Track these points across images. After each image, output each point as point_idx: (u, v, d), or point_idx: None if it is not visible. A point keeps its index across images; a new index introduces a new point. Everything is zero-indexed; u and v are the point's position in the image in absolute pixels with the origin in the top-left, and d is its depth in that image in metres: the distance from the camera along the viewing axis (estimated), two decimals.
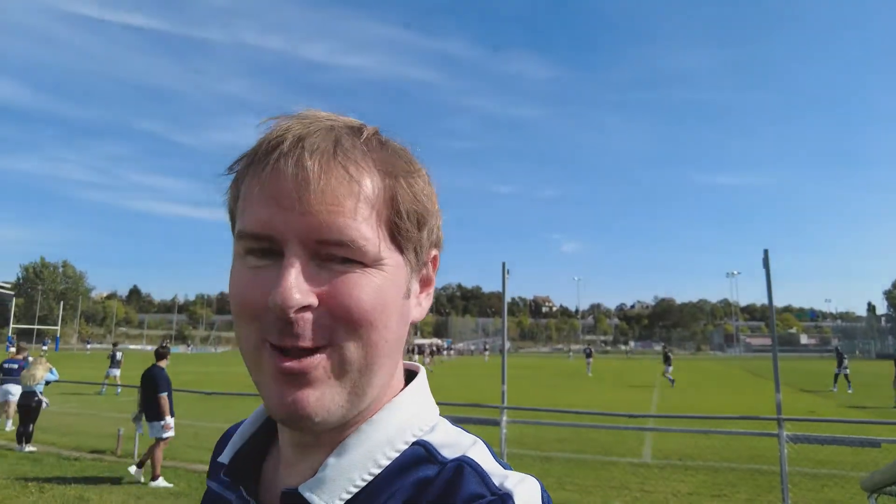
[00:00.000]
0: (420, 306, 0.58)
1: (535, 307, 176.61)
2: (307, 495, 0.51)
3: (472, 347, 70.57)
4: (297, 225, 0.48)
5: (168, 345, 8.59)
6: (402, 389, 0.58)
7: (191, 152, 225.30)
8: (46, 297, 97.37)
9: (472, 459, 0.52)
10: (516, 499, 0.48)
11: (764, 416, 7.81)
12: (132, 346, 76.74)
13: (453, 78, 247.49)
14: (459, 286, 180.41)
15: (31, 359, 10.80)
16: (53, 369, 10.58)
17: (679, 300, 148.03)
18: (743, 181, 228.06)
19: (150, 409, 7.82)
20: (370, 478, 0.52)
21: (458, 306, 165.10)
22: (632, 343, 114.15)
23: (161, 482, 7.38)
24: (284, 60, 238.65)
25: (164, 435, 7.72)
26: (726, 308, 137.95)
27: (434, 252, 0.59)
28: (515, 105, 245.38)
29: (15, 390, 11.59)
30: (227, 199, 0.56)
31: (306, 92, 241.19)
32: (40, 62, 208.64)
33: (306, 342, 0.49)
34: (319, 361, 0.49)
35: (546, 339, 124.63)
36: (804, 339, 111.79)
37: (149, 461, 7.57)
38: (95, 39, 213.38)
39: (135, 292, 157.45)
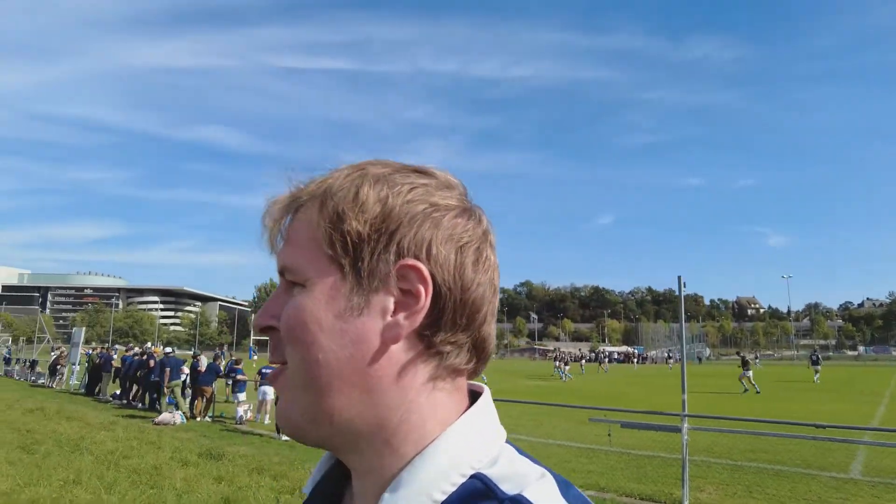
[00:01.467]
0: (397, 326, 0.53)
1: (738, 309, 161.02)
2: None
3: (666, 355, 66.64)
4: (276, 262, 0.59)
5: None
6: (464, 412, 0.56)
7: None
8: None
9: (527, 496, 0.48)
10: None
11: None
12: None
13: (628, 72, 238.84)
14: (650, 290, 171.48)
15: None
16: None
17: None
18: None
19: None
20: None
21: (648, 311, 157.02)
22: (861, 348, 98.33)
23: None
24: (458, 81, 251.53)
25: None
26: None
27: (405, 262, 0.53)
28: (699, 91, 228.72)
29: (270, 391, 14.58)
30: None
31: (481, 108, 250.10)
32: (259, 113, 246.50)
33: (276, 357, 0.57)
34: (281, 379, 0.56)
35: (752, 345, 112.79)
36: None
37: None
38: (299, 87, 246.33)
39: None
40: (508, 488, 0.50)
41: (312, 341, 0.53)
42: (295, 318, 0.54)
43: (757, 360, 62.37)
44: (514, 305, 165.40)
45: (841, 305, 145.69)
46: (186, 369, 16.29)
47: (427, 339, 0.55)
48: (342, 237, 0.54)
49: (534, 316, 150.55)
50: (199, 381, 14.81)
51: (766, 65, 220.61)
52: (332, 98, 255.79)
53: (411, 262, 0.54)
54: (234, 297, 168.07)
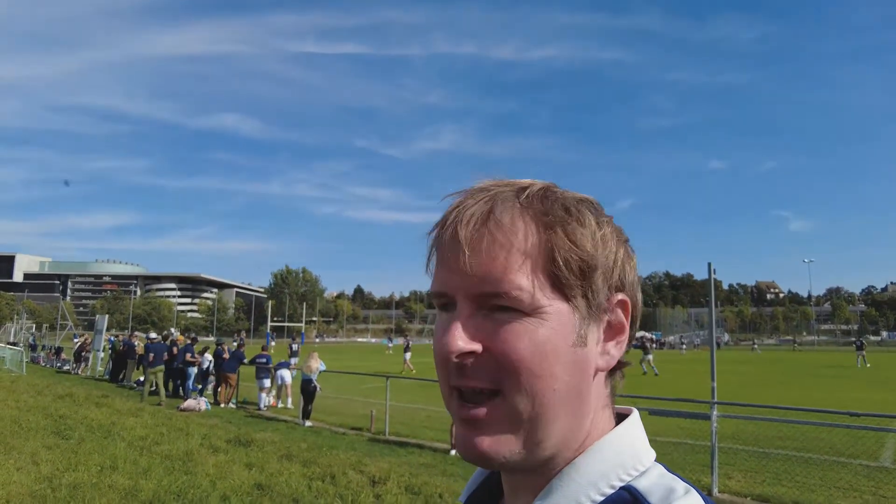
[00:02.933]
0: (607, 354, 0.58)
1: (757, 294, 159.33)
2: None
3: (686, 341, 66.15)
4: (462, 283, 0.55)
5: None
6: (615, 427, 0.59)
7: (399, 163, 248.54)
8: (291, 299, 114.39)
9: None
10: None
11: None
12: (359, 339, 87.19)
13: (648, 54, 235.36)
14: (667, 274, 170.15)
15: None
16: (322, 362, 13.20)
17: None
18: None
19: None
20: None
21: (666, 296, 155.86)
22: (884, 333, 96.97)
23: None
24: (476, 64, 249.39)
25: None
26: None
27: (620, 297, 0.58)
28: (721, 72, 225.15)
29: (287, 375, 14.76)
30: (426, 266, 0.62)
31: (499, 91, 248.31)
32: (275, 99, 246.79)
33: (474, 383, 0.54)
34: (491, 411, 0.54)
35: (772, 330, 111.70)
36: None
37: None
38: (316, 73, 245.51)
39: (358, 291, 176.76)
40: (655, 500, 0.52)
41: (551, 373, 0.53)
42: (534, 348, 0.53)
43: (755, 347, 61.99)
44: None
45: (863, 290, 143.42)
46: (209, 356, 16.53)
47: (618, 363, 0.60)
48: (580, 270, 0.55)
49: None
50: (223, 368, 14.99)
51: (791, 43, 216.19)
52: (348, 83, 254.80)
53: (622, 296, 0.58)
54: (250, 284, 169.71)
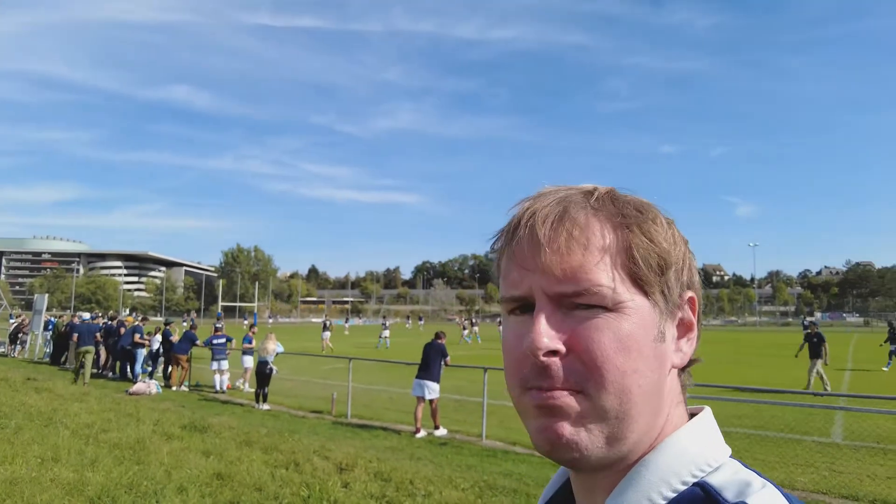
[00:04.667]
0: (680, 351, 0.58)
1: (704, 276, 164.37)
2: None
3: None
4: (540, 282, 0.54)
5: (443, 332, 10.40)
6: (688, 423, 0.58)
7: (355, 141, 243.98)
8: (243, 279, 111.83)
9: None
10: None
11: None
12: (314, 320, 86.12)
13: (608, 38, 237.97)
14: None
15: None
16: (279, 344, 12.78)
17: (879, 264, 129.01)
18: None
19: (433, 374, 9.53)
20: None
21: None
22: (818, 314, 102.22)
23: (441, 430, 9.31)
24: (437, 42, 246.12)
25: (437, 395, 9.54)
26: None
27: (689, 294, 0.58)
28: (676, 59, 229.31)
29: (249, 359, 14.27)
30: (493, 273, 0.63)
31: (459, 71, 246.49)
32: (229, 72, 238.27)
33: (560, 383, 0.53)
34: (576, 402, 0.53)
35: (717, 311, 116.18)
36: None
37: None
38: (270, 45, 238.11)
39: (313, 271, 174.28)
40: (730, 496, 0.50)
41: (635, 369, 0.53)
42: (618, 342, 0.53)
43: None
44: (486, 272, 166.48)
45: (800, 273, 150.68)
46: (159, 337, 15.83)
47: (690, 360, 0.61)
48: (659, 268, 0.55)
49: None
50: (175, 350, 14.37)
51: (744, 33, 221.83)
52: (304, 58, 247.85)
53: (691, 293, 0.60)
54: (199, 263, 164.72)
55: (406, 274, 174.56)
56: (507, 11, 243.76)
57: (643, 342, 0.53)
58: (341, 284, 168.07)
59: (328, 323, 31.65)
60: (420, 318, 67.47)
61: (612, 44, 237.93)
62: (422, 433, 9.11)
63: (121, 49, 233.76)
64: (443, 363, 9.70)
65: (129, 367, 15.98)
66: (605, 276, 0.53)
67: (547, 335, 0.53)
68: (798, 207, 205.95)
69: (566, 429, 0.53)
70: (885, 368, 19.86)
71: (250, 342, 14.30)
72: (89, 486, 5.58)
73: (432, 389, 9.35)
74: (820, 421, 10.27)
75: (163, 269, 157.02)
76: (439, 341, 9.93)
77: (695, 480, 0.53)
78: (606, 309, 0.53)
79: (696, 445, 0.56)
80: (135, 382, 14.03)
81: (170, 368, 14.90)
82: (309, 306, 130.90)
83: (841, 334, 48.03)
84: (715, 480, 0.52)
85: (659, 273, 0.55)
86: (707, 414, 0.60)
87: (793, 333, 44.14)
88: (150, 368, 15.88)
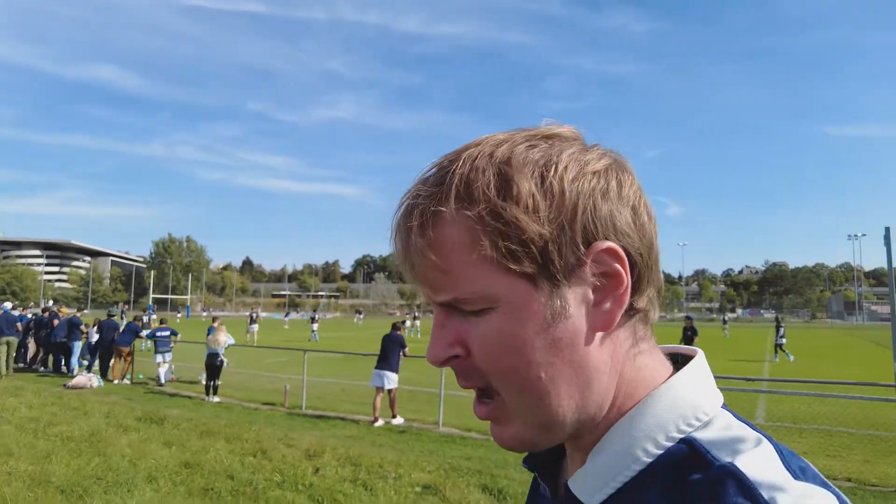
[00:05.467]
0: (603, 312, 0.50)
1: None
2: (573, 489, 0.52)
3: None
4: (426, 293, 0.54)
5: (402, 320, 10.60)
6: (673, 374, 0.53)
7: (294, 130, 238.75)
8: (175, 270, 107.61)
9: (741, 468, 0.43)
10: None
11: (882, 382, 8.12)
12: (248, 314, 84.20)
13: (548, 38, 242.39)
14: None
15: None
16: (231, 336, 12.62)
17: (793, 264, 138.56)
18: (871, 132, 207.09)
19: (392, 365, 9.75)
20: (631, 475, 0.49)
21: None
22: (739, 310, 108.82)
23: (399, 419, 9.58)
24: (381, 34, 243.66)
25: (396, 385, 9.78)
26: (847, 273, 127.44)
27: (604, 245, 0.49)
28: (613, 62, 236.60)
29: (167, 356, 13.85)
30: None
31: (402, 64, 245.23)
32: (159, 53, 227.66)
33: (470, 385, 0.53)
34: (496, 407, 0.52)
35: None
36: None
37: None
38: (208, 28, 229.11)
39: (247, 263, 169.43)
40: (721, 454, 0.46)
41: (526, 364, 0.49)
42: (503, 348, 0.50)
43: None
44: None
45: (724, 272, 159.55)
46: (86, 330, 15.26)
47: (629, 307, 0.52)
48: (524, 247, 0.48)
49: None
50: (116, 342, 13.90)
51: (676, 40, 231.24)
52: (243, 42, 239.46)
53: (603, 244, 0.50)
54: (127, 253, 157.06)
55: (346, 268, 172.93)
56: (451, 7, 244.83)
57: (532, 335, 0.49)
58: (277, 277, 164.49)
59: (255, 315, 31.13)
60: (359, 312, 67.16)
61: (552, 44, 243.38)
62: (380, 422, 9.32)
63: (43, 23, 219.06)
64: (401, 354, 9.94)
65: (63, 361, 15.31)
66: (469, 281, 0.50)
67: (438, 347, 0.52)
68: (722, 209, 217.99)
69: (505, 433, 0.53)
70: (774, 360, 21.41)
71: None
72: (54, 478, 5.52)
73: (391, 379, 9.58)
74: (745, 404, 11.19)
75: (87, 258, 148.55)
76: (397, 332, 10.16)
77: (682, 436, 0.49)
78: (487, 310, 0.50)
79: (682, 397, 0.51)
80: (72, 376, 13.50)
81: (110, 361, 14.40)
82: (243, 299, 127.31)
83: (760, 329, 51.44)
84: (703, 436, 0.48)
85: (531, 248, 0.48)
86: (698, 360, 0.56)
87: (714, 328, 47.06)
88: (86, 362, 15.28)
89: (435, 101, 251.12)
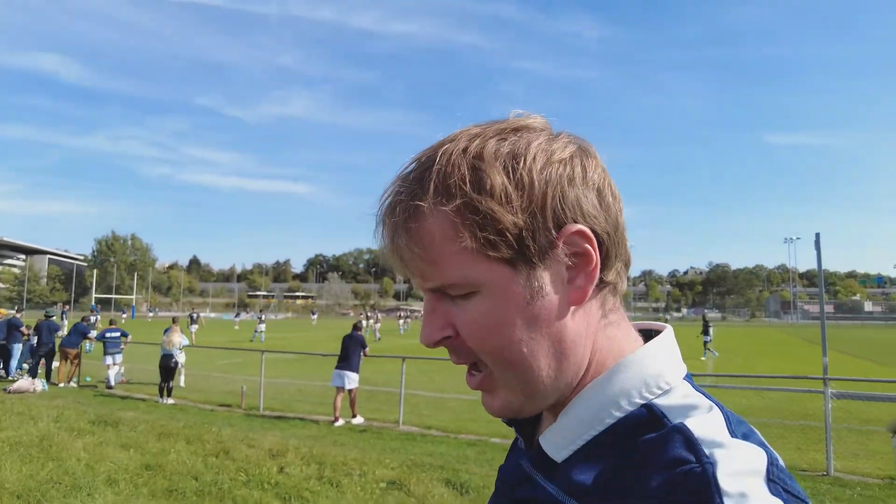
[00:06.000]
0: (577, 288, 0.56)
1: None
2: (543, 445, 0.59)
3: None
4: (416, 280, 0.59)
5: (361, 320, 10.64)
6: (642, 346, 0.59)
7: (245, 126, 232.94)
8: (119, 269, 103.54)
9: (688, 426, 0.50)
10: (721, 469, 0.45)
11: (812, 375, 8.74)
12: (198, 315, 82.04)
13: (504, 40, 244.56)
14: None
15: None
16: (185, 337, 12.39)
17: (735, 266, 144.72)
18: (807, 140, 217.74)
19: (352, 365, 9.79)
20: (594, 434, 0.56)
21: None
22: (684, 310, 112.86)
23: (359, 419, 9.64)
24: (335, 30, 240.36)
25: (356, 385, 9.86)
26: (784, 274, 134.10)
27: (574, 228, 0.55)
28: (567, 67, 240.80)
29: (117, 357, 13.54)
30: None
31: (356, 62, 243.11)
32: (105, 43, 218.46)
33: (463, 361, 0.59)
34: (485, 379, 0.59)
35: None
36: (869, 307, 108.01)
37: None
38: (156, 18, 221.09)
39: (194, 262, 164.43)
40: (675, 418, 0.52)
41: (510, 341, 0.55)
42: (487, 328, 0.55)
43: None
44: (382, 266, 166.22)
45: (669, 273, 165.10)
46: (27, 332, 14.65)
47: (599, 281, 0.58)
48: (500, 235, 0.54)
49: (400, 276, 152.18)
50: (62, 343, 13.42)
51: (629, 47, 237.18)
52: (192, 34, 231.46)
53: (573, 227, 0.55)
54: (67, 251, 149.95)
55: (297, 267, 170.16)
56: (406, 5, 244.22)
57: (513, 314, 0.55)
58: (226, 277, 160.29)
59: (195, 316, 30.61)
60: (313, 313, 66.37)
61: (506, 46, 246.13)
62: (340, 422, 9.39)
63: None
64: (361, 354, 10.01)
65: (2, 364, 14.65)
66: (452, 271, 0.55)
67: (431, 329, 0.58)
68: (669, 212, 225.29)
69: (494, 402, 0.60)
70: (702, 358, 22.16)
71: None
72: (7, 483, 5.37)
73: (352, 379, 9.65)
74: None
75: (22, 256, 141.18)
76: (358, 332, 10.23)
77: (643, 402, 0.55)
78: (471, 294, 0.55)
79: (647, 367, 0.57)
80: (13, 380, 12.97)
81: (53, 364, 13.89)
82: (190, 299, 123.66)
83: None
84: (662, 402, 0.54)
85: (508, 236, 0.53)
86: (666, 334, 0.62)
87: None
88: (27, 365, 14.66)
89: (390, 100, 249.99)
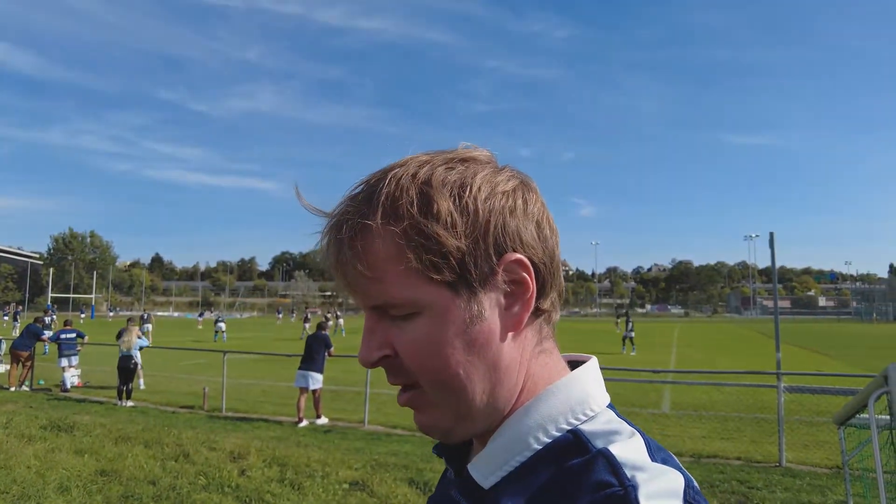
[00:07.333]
0: (513, 315, 0.58)
1: None
2: (471, 472, 0.60)
3: None
4: (354, 298, 0.60)
5: (329, 317, 10.49)
6: (569, 375, 0.61)
7: (208, 121, 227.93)
8: (77, 267, 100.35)
9: (612, 451, 0.52)
10: (642, 492, 0.48)
11: (766, 371, 9.04)
12: (160, 313, 79.96)
13: (470, 39, 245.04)
14: None
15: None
16: (144, 337, 12.08)
17: (697, 263, 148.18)
18: (765, 141, 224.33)
19: (317, 365, 9.73)
20: (522, 460, 0.57)
21: None
22: (648, 306, 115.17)
23: (323, 419, 9.62)
24: (300, 25, 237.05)
25: (321, 385, 9.81)
26: (744, 270, 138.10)
27: (513, 256, 0.57)
28: (532, 66, 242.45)
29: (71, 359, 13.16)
30: None
31: (323, 57, 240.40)
32: (61, 33, 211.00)
33: (399, 381, 0.60)
34: (416, 397, 0.60)
35: (563, 304, 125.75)
36: (822, 302, 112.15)
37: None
38: (115, 9, 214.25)
39: (157, 260, 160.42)
40: (599, 443, 0.54)
41: (447, 362, 0.56)
42: (427, 349, 0.56)
43: None
44: None
45: (634, 269, 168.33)
46: None
47: (535, 309, 0.60)
48: (444, 259, 0.55)
49: None
50: (14, 345, 12.94)
51: (593, 48, 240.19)
52: (154, 26, 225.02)
53: (513, 256, 0.57)
54: (20, 248, 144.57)
55: (263, 265, 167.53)
56: (372, 1, 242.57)
57: (452, 336, 0.56)
58: (189, 275, 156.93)
59: (146, 315, 30.08)
60: (278, 311, 65.49)
61: (473, 45, 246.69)
62: (304, 422, 9.29)
63: None
64: (326, 354, 9.92)
65: None
66: (396, 289, 0.56)
67: (369, 349, 0.59)
68: (633, 210, 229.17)
69: (424, 420, 0.61)
70: (625, 352, 22.81)
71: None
72: None
73: (316, 380, 9.55)
74: (654, 395, 12.03)
75: None
76: (323, 332, 10.14)
77: (569, 427, 0.56)
78: (412, 315, 0.56)
79: (573, 394, 0.59)
80: None
81: (4, 367, 13.40)
82: (153, 298, 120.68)
83: (667, 323, 54.82)
84: (587, 428, 0.56)
85: (451, 260, 0.55)
86: (591, 364, 0.64)
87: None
88: None
89: (356, 96, 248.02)
